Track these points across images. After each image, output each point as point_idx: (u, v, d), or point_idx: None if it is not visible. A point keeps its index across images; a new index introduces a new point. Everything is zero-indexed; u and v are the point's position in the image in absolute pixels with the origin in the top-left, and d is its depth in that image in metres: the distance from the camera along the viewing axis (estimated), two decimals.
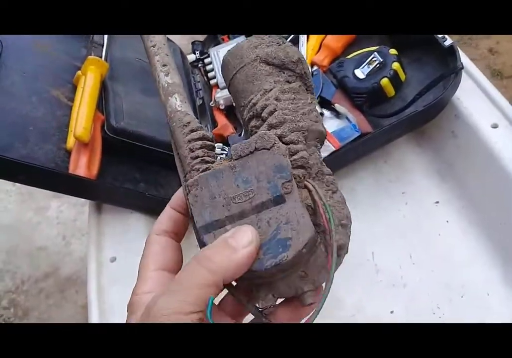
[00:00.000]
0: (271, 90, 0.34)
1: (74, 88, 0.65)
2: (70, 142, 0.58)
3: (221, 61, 0.38)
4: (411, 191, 0.64)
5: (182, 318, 0.25)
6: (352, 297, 0.56)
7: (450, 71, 0.58)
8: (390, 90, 0.63)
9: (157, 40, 0.39)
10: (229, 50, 0.37)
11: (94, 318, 0.53)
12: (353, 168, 0.67)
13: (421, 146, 0.68)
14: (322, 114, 0.66)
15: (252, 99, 0.35)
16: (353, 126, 0.61)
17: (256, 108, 0.34)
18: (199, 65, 0.79)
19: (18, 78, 0.61)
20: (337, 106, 0.66)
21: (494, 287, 0.54)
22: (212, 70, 0.77)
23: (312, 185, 0.30)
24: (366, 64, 0.64)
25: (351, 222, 0.34)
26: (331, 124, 0.64)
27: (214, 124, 0.72)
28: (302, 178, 0.32)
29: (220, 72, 0.40)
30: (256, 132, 0.34)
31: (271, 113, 0.33)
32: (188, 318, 0.25)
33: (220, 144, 0.69)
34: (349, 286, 0.57)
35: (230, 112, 0.73)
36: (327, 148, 0.61)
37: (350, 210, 0.63)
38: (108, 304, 0.54)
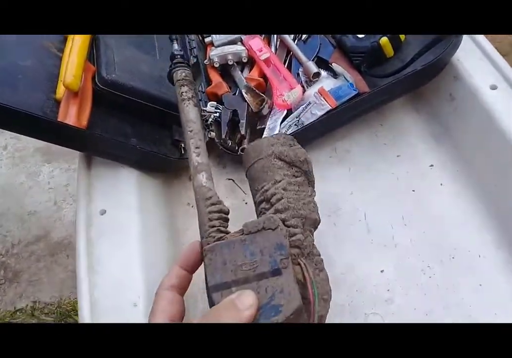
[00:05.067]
0: (280, 181, 0.44)
1: (65, 40, 0.63)
2: (60, 92, 0.57)
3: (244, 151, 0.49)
4: (406, 154, 0.63)
5: None
6: (343, 256, 0.56)
7: None
8: (389, 50, 0.62)
9: (194, 127, 0.48)
10: (250, 144, 0.49)
11: (82, 270, 0.52)
12: (348, 130, 0.66)
13: (418, 109, 0.67)
14: (319, 74, 0.65)
15: (264, 186, 0.44)
16: (350, 84, 0.60)
17: (267, 194, 0.43)
18: None
19: None
20: (335, 66, 0.64)
21: (486, 250, 0.54)
22: None
23: (304, 264, 0.38)
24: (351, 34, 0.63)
25: (331, 298, 0.41)
26: (328, 84, 0.63)
27: (208, 82, 0.70)
28: (296, 256, 0.39)
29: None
30: (264, 213, 0.42)
31: (278, 200, 0.42)
32: None
33: (214, 103, 0.67)
34: (340, 245, 0.57)
35: (225, 70, 0.71)
36: (323, 107, 0.60)
37: (344, 171, 0.63)
38: (96, 256, 0.53)
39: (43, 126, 0.52)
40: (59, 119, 0.54)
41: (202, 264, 0.40)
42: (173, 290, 0.40)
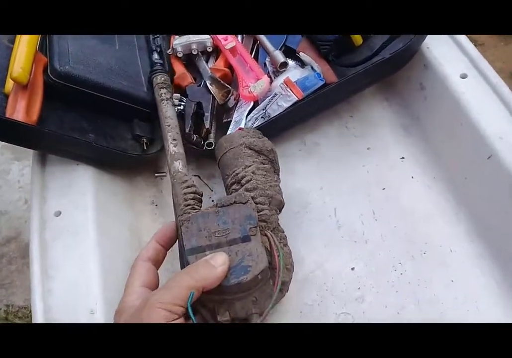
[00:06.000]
0: (250, 166, 0.48)
1: None
2: (9, 85, 0.53)
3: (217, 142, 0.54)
4: (377, 146, 0.61)
5: (172, 308, 0.35)
6: (313, 254, 0.54)
7: None
8: (358, 38, 0.59)
9: (172, 122, 0.56)
10: (224, 136, 0.53)
11: (36, 275, 0.49)
12: (318, 122, 0.64)
13: (388, 100, 0.65)
14: (286, 63, 0.62)
15: (235, 170, 0.48)
16: (317, 74, 0.58)
17: (238, 177, 0.47)
18: None
19: None
20: (302, 55, 0.62)
21: (458, 244, 0.53)
22: None
23: (270, 234, 0.43)
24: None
25: (293, 269, 0.47)
26: (294, 74, 0.60)
27: (172, 73, 0.67)
28: (263, 228, 0.44)
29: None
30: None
31: (248, 181, 0.46)
32: (177, 309, 0.35)
33: (178, 95, 0.64)
34: (310, 242, 0.55)
35: (189, 61, 0.68)
36: (290, 98, 0.57)
37: (313, 165, 0.61)
38: (51, 260, 0.50)
39: None
40: (7, 115, 0.51)
41: (175, 242, 0.45)
42: (149, 261, 0.43)
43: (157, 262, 0.44)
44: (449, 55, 0.56)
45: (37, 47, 0.56)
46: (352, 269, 0.53)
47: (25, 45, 0.54)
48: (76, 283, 0.48)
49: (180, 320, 0.36)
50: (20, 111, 0.50)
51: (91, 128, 0.58)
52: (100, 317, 0.46)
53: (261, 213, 0.44)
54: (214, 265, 0.38)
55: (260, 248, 0.40)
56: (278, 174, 0.52)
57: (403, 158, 0.60)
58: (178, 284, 0.36)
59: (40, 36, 0.57)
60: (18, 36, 0.57)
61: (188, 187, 0.46)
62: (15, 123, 0.49)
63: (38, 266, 0.49)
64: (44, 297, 0.47)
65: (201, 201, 0.46)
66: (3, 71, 0.55)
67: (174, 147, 0.52)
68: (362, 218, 0.56)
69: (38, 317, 0.46)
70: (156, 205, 0.61)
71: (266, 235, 0.43)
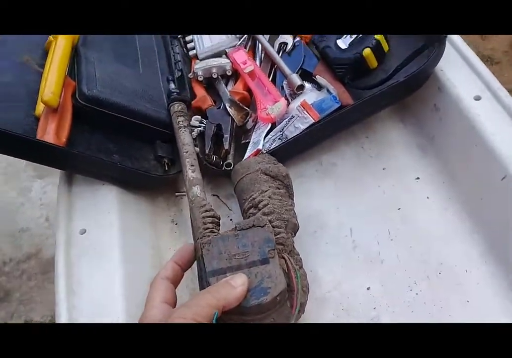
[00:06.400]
0: (266, 191, 0.51)
1: (46, 54, 0.62)
2: (39, 108, 0.56)
3: (234, 168, 0.57)
4: (392, 167, 0.62)
5: None
6: (329, 274, 0.55)
7: (434, 39, 0.56)
8: (373, 61, 0.61)
9: (189, 149, 0.58)
10: (240, 162, 0.57)
11: (61, 292, 0.51)
12: (334, 143, 0.65)
13: (404, 121, 0.66)
14: (303, 86, 0.64)
15: (252, 195, 0.50)
16: (333, 97, 0.59)
17: (255, 201, 0.49)
18: (179, 36, 0.76)
19: None
20: (318, 78, 0.64)
21: (473, 264, 0.53)
22: (191, 41, 0.74)
23: (288, 257, 0.44)
24: (349, 34, 0.62)
25: (309, 291, 0.48)
26: (311, 96, 0.62)
27: (193, 96, 0.70)
28: (281, 251, 0.45)
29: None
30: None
31: (265, 205, 0.48)
32: None
33: (198, 117, 0.66)
34: (326, 262, 0.56)
35: (209, 84, 0.71)
36: (306, 120, 0.59)
37: (330, 185, 0.63)
38: (76, 277, 0.52)
39: (21, 145, 0.51)
40: (37, 137, 0.53)
41: (193, 264, 0.46)
42: (168, 280, 0.43)
43: (175, 282, 0.44)
44: (463, 77, 0.57)
45: (66, 72, 0.59)
46: (368, 289, 0.53)
47: (55, 70, 0.57)
48: (100, 299, 0.50)
49: None
50: (50, 133, 0.53)
51: (116, 149, 0.60)
52: None
53: (278, 236, 0.46)
54: (234, 286, 0.39)
55: (279, 270, 0.41)
56: (293, 199, 0.54)
57: (418, 178, 0.60)
58: (199, 302, 0.37)
59: (69, 61, 0.60)
60: (48, 60, 0.60)
61: (206, 211, 0.48)
62: (46, 144, 0.52)
63: (64, 282, 0.51)
64: (69, 312, 0.49)
65: (219, 225, 0.48)
66: (34, 94, 0.58)
67: (192, 172, 0.54)
68: (378, 238, 0.56)
69: None
70: (176, 224, 0.63)
71: (283, 257, 0.44)
